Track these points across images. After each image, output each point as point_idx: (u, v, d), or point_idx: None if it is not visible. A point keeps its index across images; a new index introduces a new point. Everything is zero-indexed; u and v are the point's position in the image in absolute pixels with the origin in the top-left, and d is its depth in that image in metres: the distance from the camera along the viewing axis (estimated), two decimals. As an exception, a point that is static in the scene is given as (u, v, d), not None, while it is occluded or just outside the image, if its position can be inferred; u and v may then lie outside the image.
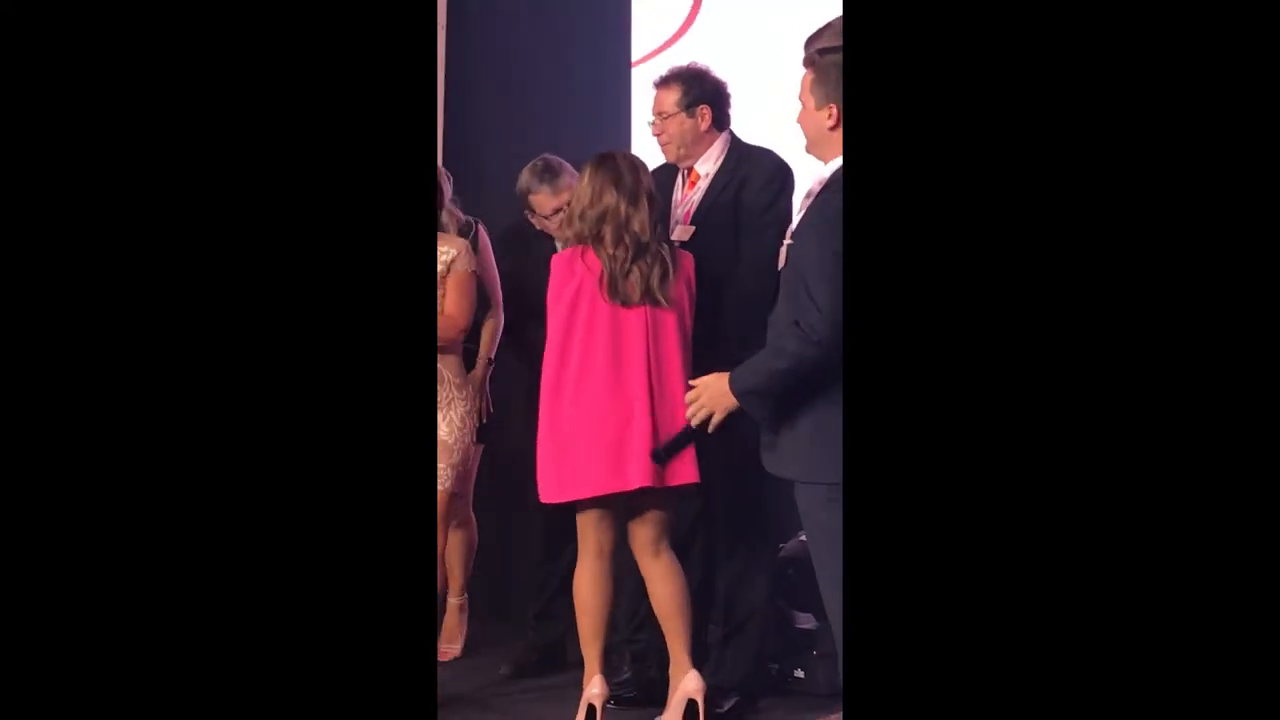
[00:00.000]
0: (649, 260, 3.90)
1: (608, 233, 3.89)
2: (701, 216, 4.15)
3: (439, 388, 4.11)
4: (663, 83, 4.23)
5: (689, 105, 4.15)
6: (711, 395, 3.54)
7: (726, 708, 4.15)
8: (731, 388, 3.45)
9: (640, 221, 3.90)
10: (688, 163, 4.21)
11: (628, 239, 3.89)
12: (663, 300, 3.89)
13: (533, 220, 4.64)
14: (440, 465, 4.07)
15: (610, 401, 3.85)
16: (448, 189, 4.70)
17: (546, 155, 4.68)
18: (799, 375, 3.23)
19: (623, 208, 3.90)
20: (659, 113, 4.21)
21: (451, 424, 4.12)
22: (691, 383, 3.67)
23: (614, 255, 3.89)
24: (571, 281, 3.88)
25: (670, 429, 3.87)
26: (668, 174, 4.28)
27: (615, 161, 3.99)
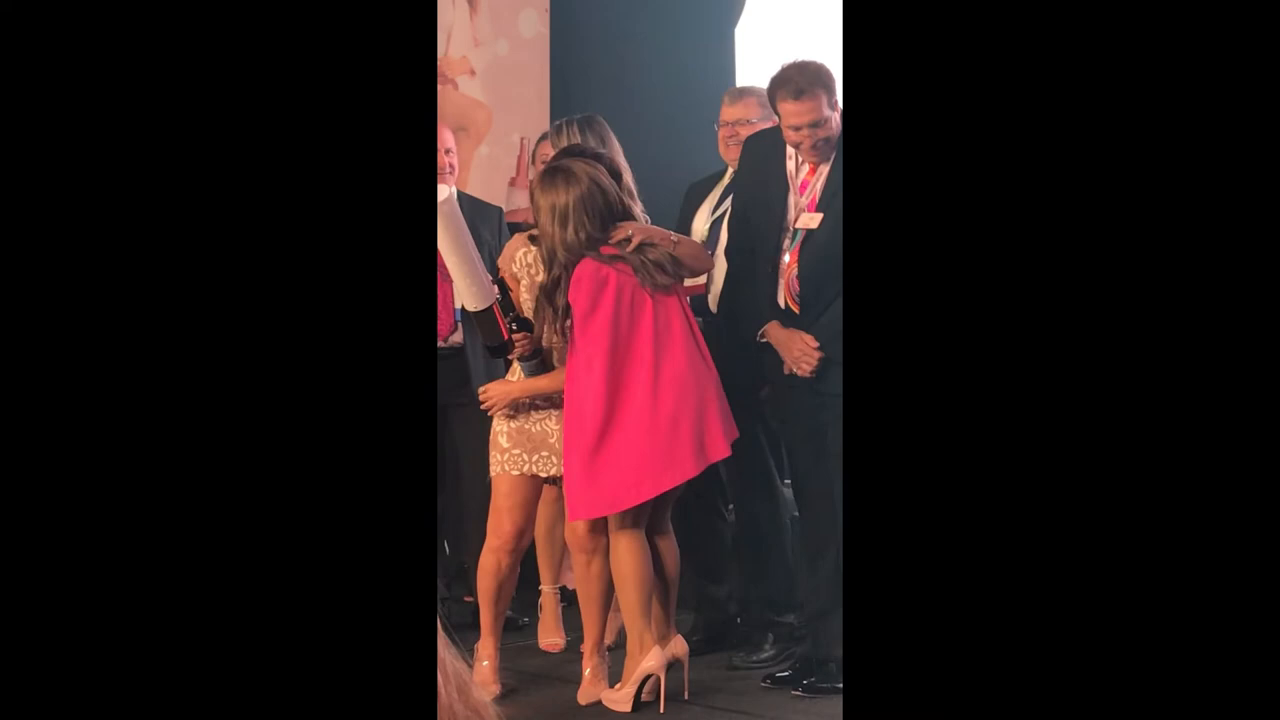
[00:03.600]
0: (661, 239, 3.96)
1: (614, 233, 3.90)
2: (827, 202, 4.03)
3: None
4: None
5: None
6: None
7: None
8: None
9: (621, 212, 3.92)
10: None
11: (634, 230, 3.89)
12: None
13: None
14: None
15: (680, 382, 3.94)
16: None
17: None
18: None
19: (617, 203, 3.90)
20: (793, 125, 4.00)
21: None
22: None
23: (635, 248, 3.88)
24: (606, 286, 3.87)
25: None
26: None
27: (574, 170, 3.92)
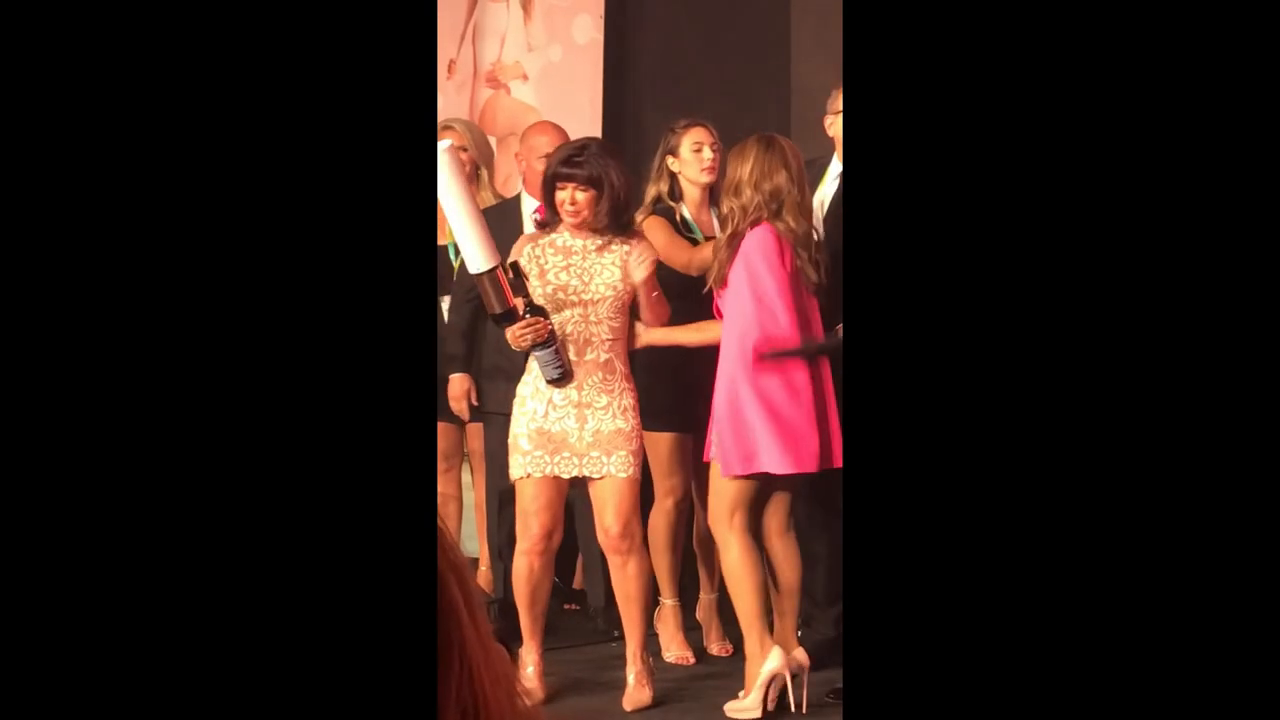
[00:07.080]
0: (817, 248, 3.92)
1: (788, 213, 3.87)
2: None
3: (612, 378, 4.09)
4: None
5: None
6: None
7: None
8: None
9: (809, 207, 3.91)
10: None
11: (804, 222, 3.88)
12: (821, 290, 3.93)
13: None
14: (624, 453, 4.06)
15: (814, 380, 3.90)
16: None
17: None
18: None
19: (794, 190, 3.89)
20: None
21: (627, 412, 4.11)
22: None
23: (801, 237, 3.88)
24: (781, 259, 3.87)
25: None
26: None
27: (783, 145, 3.97)
